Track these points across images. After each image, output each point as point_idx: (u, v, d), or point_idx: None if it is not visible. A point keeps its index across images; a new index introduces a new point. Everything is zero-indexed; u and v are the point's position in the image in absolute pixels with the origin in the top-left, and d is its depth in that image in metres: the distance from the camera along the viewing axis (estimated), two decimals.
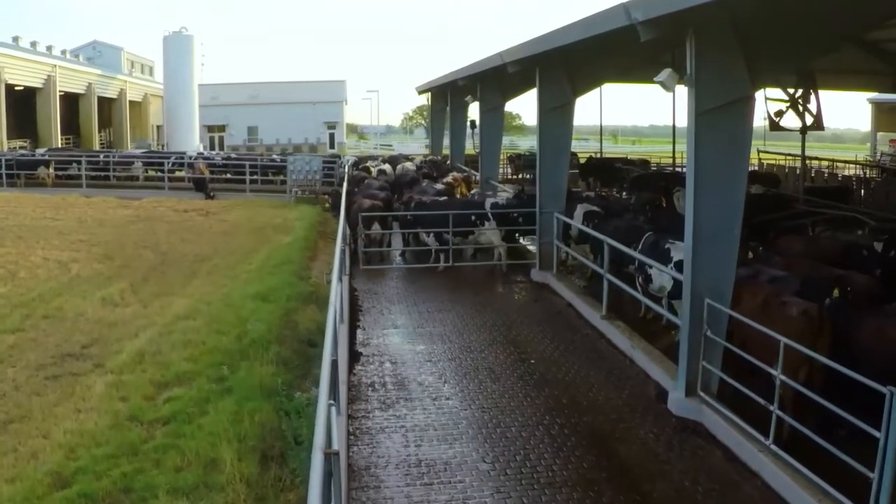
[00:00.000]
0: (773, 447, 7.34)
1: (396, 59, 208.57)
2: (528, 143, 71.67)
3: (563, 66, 14.61)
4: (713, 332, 8.63)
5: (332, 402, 5.33)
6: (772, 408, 7.41)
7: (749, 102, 8.54)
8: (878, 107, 45.39)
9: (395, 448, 7.95)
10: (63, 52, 58.82)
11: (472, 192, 21.31)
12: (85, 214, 26.26)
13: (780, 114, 16.53)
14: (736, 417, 8.11)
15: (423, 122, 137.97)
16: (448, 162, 31.29)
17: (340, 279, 11.69)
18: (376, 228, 17.31)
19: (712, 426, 8.42)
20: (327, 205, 22.39)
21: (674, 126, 26.62)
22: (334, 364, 6.57)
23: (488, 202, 17.00)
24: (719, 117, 8.33)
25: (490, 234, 16.45)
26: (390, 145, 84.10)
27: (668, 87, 8.17)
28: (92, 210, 27.35)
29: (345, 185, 21.86)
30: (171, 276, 16.31)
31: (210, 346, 10.95)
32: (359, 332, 11.96)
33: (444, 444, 8.04)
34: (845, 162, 36.32)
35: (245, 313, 12.55)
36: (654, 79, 8.29)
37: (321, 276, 17.27)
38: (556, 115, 14.99)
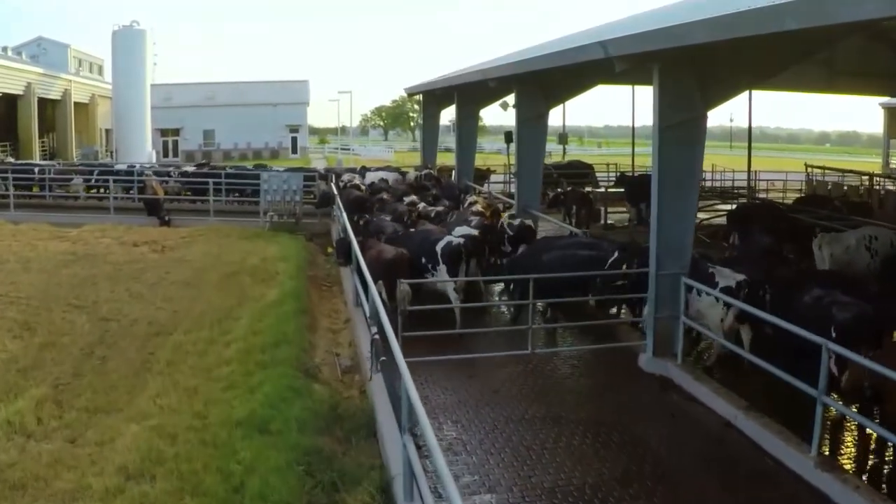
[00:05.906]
0: None
1: (351, 63, 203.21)
2: (491, 146, 65.64)
3: (692, 65, 10.01)
4: None
5: None
6: None
7: None
8: (891, 112, 43.00)
9: None
10: (4, 48, 52.32)
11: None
12: (8, 250, 20.66)
13: None
14: None
15: (381, 123, 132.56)
16: (453, 177, 26.41)
17: (406, 430, 6.77)
18: (404, 288, 12.47)
19: None
20: (330, 249, 17.32)
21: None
22: None
23: (443, 241, 13.03)
24: None
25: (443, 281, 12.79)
26: (351, 148, 78.61)
27: None
28: (18, 243, 21.77)
29: (344, 216, 16.81)
30: (112, 371, 11.14)
31: None
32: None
33: None
34: (859, 173, 32.54)
35: (237, 470, 7.61)
36: None
37: (330, 356, 12.35)
38: (680, 132, 10.37)
